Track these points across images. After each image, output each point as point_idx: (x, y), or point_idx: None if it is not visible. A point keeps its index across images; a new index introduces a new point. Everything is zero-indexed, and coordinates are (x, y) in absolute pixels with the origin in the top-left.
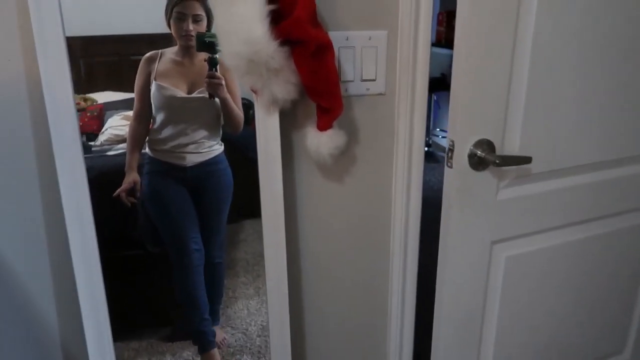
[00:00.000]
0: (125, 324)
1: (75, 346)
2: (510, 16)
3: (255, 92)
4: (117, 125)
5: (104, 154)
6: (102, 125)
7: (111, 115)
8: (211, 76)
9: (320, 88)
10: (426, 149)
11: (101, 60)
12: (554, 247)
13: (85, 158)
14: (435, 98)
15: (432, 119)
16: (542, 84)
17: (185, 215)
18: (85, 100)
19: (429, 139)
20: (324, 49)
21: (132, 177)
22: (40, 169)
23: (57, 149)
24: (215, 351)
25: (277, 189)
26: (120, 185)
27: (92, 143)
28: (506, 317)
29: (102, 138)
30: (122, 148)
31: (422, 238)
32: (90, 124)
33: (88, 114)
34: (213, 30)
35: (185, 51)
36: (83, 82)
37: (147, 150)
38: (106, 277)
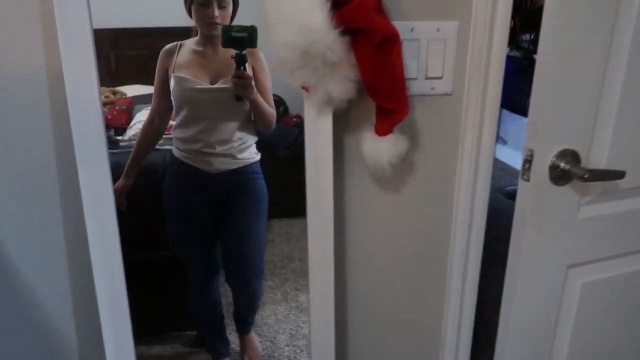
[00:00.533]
0: (149, 327)
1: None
2: (607, 14)
3: (306, 89)
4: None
5: (132, 149)
6: (131, 119)
7: (140, 110)
8: (239, 76)
9: (383, 87)
10: None
11: (132, 54)
12: (636, 272)
13: (112, 154)
14: None
15: None
16: (638, 91)
17: (201, 228)
18: (115, 93)
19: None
20: (391, 41)
21: (122, 183)
22: (60, 169)
23: (78, 150)
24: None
25: (327, 200)
26: (148, 188)
27: (119, 137)
28: (578, 348)
29: (130, 133)
30: None
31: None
32: (119, 118)
33: (117, 107)
34: (237, 21)
35: (208, 40)
36: (113, 75)
37: (172, 148)
38: (130, 279)
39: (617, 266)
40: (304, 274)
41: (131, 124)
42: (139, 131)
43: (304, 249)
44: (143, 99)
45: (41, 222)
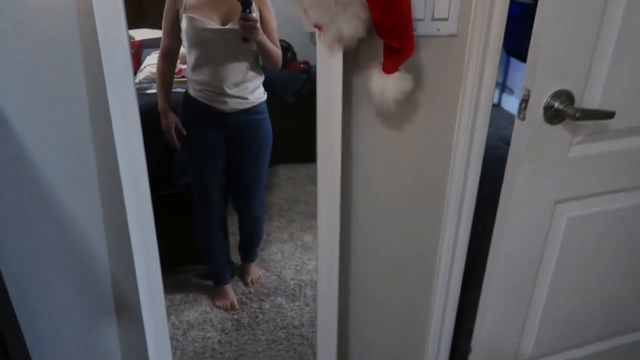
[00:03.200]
0: (162, 260)
1: (124, 280)
2: None
3: (319, 27)
4: (155, 63)
5: (143, 92)
6: (140, 64)
7: (149, 53)
8: (245, 18)
9: (391, 25)
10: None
11: None
12: (618, 209)
13: None
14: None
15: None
16: (635, 34)
17: (215, 164)
18: None
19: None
20: None
21: (169, 118)
22: (91, 105)
23: (109, 84)
24: (229, 287)
25: (335, 133)
26: (158, 126)
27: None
28: (559, 280)
29: (140, 76)
30: None
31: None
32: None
33: None
34: None
35: None
36: None
37: (187, 88)
38: None
39: (602, 203)
40: (309, 215)
41: (141, 67)
42: (149, 74)
43: (309, 193)
44: (151, 43)
45: (74, 146)
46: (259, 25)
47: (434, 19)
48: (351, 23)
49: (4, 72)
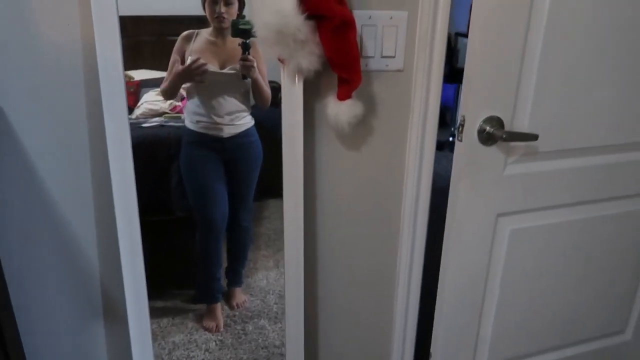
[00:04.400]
0: (150, 284)
1: (114, 289)
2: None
3: (282, 61)
4: (152, 100)
5: (139, 125)
6: (138, 101)
7: (146, 92)
8: (244, 59)
9: (341, 61)
10: (450, 139)
11: (139, 40)
12: (559, 224)
13: None
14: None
15: (458, 109)
16: (554, 65)
17: (215, 182)
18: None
19: (454, 129)
20: (347, 25)
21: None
22: (90, 128)
23: (107, 113)
24: (218, 306)
25: (298, 151)
26: (154, 158)
27: (128, 116)
28: (508, 289)
29: (137, 112)
30: (156, 121)
31: (433, 222)
32: (128, 99)
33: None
34: (246, 14)
35: (219, 32)
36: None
37: (185, 123)
38: None
39: (542, 217)
40: None
41: (139, 103)
42: (146, 110)
43: None
44: (149, 83)
45: (73, 160)
46: (255, 64)
47: (382, 57)
48: (308, 58)
49: (16, 94)
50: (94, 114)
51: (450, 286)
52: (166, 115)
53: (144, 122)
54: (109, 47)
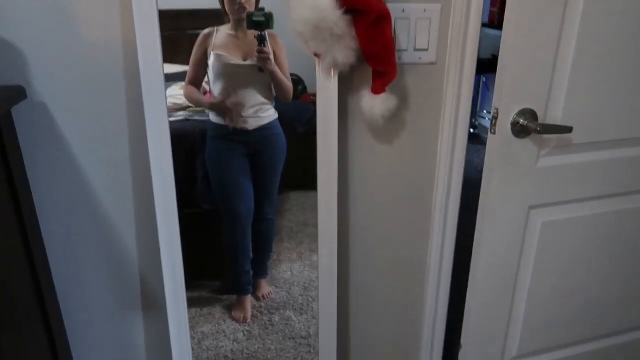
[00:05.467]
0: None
1: (152, 279)
2: None
3: (318, 56)
4: (176, 94)
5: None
6: None
7: (170, 86)
8: (260, 51)
9: (376, 54)
10: (472, 130)
11: (162, 35)
12: (591, 216)
13: None
14: (484, 80)
15: (479, 100)
16: (588, 56)
17: (241, 176)
18: None
19: (476, 120)
20: (383, 18)
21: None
22: (129, 122)
23: (148, 108)
24: (248, 298)
25: (332, 144)
26: (180, 152)
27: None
28: (539, 281)
29: None
30: (180, 115)
31: (463, 215)
32: None
33: None
34: (264, 9)
35: (238, 24)
36: None
37: (210, 117)
38: None
39: (574, 210)
40: (317, 238)
41: None
42: (170, 104)
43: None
44: (172, 77)
45: (114, 157)
46: (271, 57)
47: (416, 50)
48: (344, 52)
49: (58, 90)
50: (133, 109)
51: (481, 277)
52: (190, 109)
53: (170, 117)
54: (149, 43)
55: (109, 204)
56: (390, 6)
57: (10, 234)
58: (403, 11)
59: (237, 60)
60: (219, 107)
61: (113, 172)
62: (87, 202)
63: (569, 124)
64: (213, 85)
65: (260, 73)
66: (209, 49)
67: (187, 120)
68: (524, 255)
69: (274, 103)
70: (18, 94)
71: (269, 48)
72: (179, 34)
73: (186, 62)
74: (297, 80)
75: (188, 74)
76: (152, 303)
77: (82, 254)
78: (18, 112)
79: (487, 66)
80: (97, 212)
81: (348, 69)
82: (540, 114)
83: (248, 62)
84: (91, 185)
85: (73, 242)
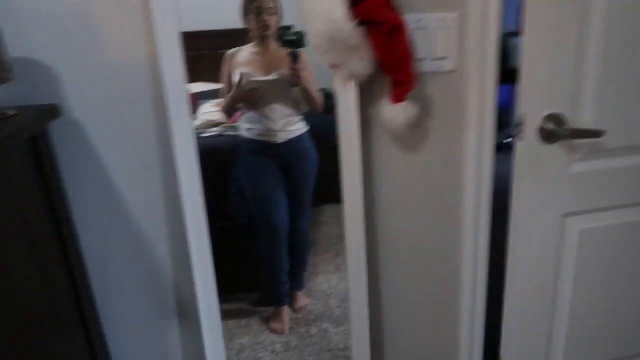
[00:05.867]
0: (219, 287)
1: (186, 291)
2: None
3: (334, 68)
4: (210, 111)
5: (199, 135)
6: (195, 113)
7: (203, 104)
8: (292, 68)
9: (393, 64)
10: (507, 140)
11: (194, 55)
12: (628, 224)
13: None
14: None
15: (514, 109)
16: (618, 56)
17: (276, 189)
18: None
19: (510, 130)
20: (397, 29)
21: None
22: (158, 137)
23: (174, 125)
24: (285, 309)
25: (355, 155)
26: (214, 167)
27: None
28: (580, 292)
29: (196, 123)
30: (215, 131)
31: (499, 225)
32: None
33: None
34: (294, 27)
35: (262, 41)
36: None
37: (241, 133)
38: None
39: (613, 217)
40: None
41: (197, 115)
42: (204, 121)
43: None
44: (205, 95)
45: (146, 168)
46: (303, 74)
47: (435, 59)
48: (360, 63)
49: (91, 108)
50: (161, 124)
51: (518, 289)
52: (224, 125)
53: (204, 133)
54: (172, 63)
55: (141, 217)
56: (408, 17)
57: (50, 247)
58: (420, 21)
59: (259, 76)
60: (242, 94)
61: (145, 185)
62: (120, 214)
63: (601, 128)
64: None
65: (285, 86)
66: (233, 68)
67: (220, 135)
68: (562, 265)
69: (302, 116)
70: (53, 111)
71: (302, 65)
72: (213, 54)
73: (218, 81)
74: (328, 95)
75: (223, 89)
76: (188, 314)
77: (117, 264)
78: (54, 129)
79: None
80: (131, 224)
81: (366, 79)
82: (569, 118)
83: (271, 77)
84: (124, 198)
85: (109, 253)
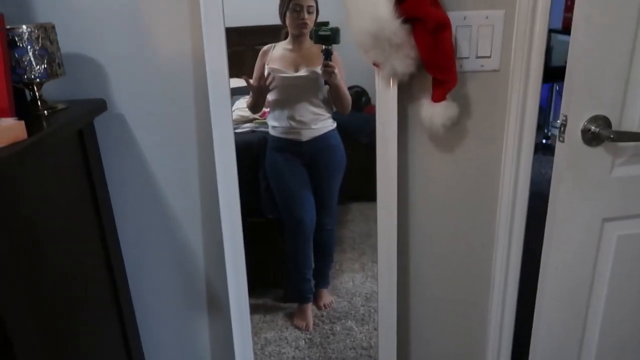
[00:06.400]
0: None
1: (217, 285)
2: None
3: (377, 65)
4: (243, 107)
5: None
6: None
7: (237, 99)
8: (326, 65)
9: (436, 62)
10: (544, 141)
11: (230, 50)
12: None
13: None
14: (557, 88)
15: (552, 110)
16: None
17: (301, 186)
18: None
19: (548, 130)
20: (442, 27)
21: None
22: (198, 132)
23: (214, 120)
24: (309, 306)
25: (392, 152)
26: (246, 163)
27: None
28: (615, 299)
29: None
30: (247, 127)
31: (535, 229)
32: None
33: None
34: (329, 23)
35: (296, 39)
36: None
37: (268, 129)
38: None
39: None
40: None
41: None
42: (238, 117)
43: None
44: (239, 91)
45: (183, 165)
46: (337, 71)
47: (478, 57)
48: (403, 61)
49: (134, 103)
50: (202, 120)
51: (550, 295)
52: (256, 121)
53: (237, 128)
54: (217, 58)
55: (178, 210)
56: (451, 14)
57: (90, 236)
58: (464, 18)
59: (289, 72)
60: (254, 88)
61: (182, 179)
62: (158, 206)
63: None
64: (269, 98)
65: (314, 83)
66: (266, 63)
67: (252, 131)
68: (597, 271)
69: (330, 113)
70: (100, 106)
71: (334, 62)
72: (246, 50)
73: (252, 76)
74: (360, 92)
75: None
76: (218, 307)
77: (152, 255)
78: (98, 122)
79: (560, 74)
80: (167, 217)
81: (407, 78)
82: (614, 121)
83: (300, 74)
84: (162, 191)
85: (145, 244)
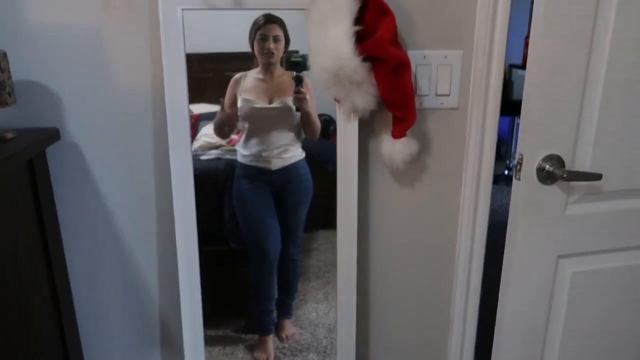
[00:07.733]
0: (203, 313)
1: (171, 317)
2: (585, 35)
3: (338, 101)
4: (210, 133)
5: (198, 158)
6: (197, 134)
7: (205, 125)
8: (297, 92)
9: (396, 100)
10: (506, 172)
11: (198, 76)
12: (625, 268)
13: None
14: (518, 121)
15: (514, 141)
16: (617, 100)
17: (267, 215)
18: None
19: (510, 162)
20: (402, 66)
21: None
22: (155, 162)
23: (172, 146)
24: (270, 338)
25: (352, 186)
26: (210, 190)
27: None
28: (570, 335)
29: (196, 144)
30: (213, 153)
31: (490, 259)
32: None
33: None
34: (299, 51)
35: (267, 68)
36: None
37: (237, 157)
38: None
39: (606, 260)
40: None
41: (197, 136)
42: (204, 143)
43: None
44: (207, 116)
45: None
46: (308, 97)
47: (437, 95)
48: (364, 98)
49: (90, 133)
50: (159, 150)
51: (507, 332)
52: (223, 147)
53: (202, 155)
54: (177, 87)
55: (133, 241)
56: (411, 52)
57: (37, 268)
58: (424, 57)
59: (262, 103)
60: (223, 116)
61: (138, 209)
62: (112, 237)
63: (598, 171)
64: (242, 125)
65: (287, 114)
66: (238, 93)
67: (218, 158)
68: (553, 308)
69: (300, 143)
70: (52, 135)
71: (305, 89)
72: (217, 75)
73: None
74: (328, 120)
75: (221, 112)
76: (171, 340)
77: (104, 289)
78: (51, 152)
79: (521, 108)
80: (122, 248)
81: (368, 114)
82: (567, 160)
83: (273, 105)
84: (116, 221)
85: (97, 277)
